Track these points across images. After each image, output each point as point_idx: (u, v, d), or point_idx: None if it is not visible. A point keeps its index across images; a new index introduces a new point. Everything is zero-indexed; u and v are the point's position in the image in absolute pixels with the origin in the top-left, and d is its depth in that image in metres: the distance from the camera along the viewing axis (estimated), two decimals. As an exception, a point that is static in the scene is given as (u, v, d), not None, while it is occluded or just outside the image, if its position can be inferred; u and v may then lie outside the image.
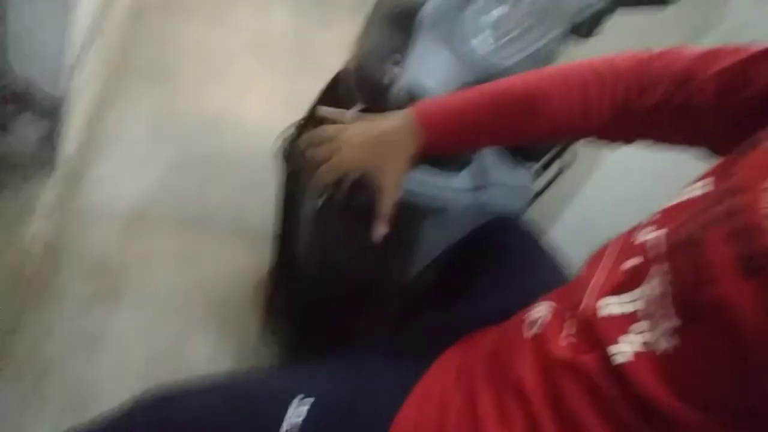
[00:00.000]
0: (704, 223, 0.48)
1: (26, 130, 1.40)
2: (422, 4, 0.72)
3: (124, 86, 1.95)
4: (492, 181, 1.01)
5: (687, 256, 0.48)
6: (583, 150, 1.09)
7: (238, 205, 1.74)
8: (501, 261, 0.87)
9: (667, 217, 0.54)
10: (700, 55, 0.62)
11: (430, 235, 0.99)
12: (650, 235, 0.54)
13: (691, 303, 0.46)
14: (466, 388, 0.58)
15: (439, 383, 0.62)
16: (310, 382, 0.65)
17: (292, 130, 1.05)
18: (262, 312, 1.44)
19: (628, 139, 0.70)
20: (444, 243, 1.02)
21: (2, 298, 1.22)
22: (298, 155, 1.04)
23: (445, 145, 0.74)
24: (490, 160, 1.02)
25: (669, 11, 0.91)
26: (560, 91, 0.67)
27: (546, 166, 1.14)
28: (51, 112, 1.39)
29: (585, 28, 0.82)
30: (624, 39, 0.79)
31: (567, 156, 1.09)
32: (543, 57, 0.79)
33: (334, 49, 2.73)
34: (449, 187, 0.96)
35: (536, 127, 0.70)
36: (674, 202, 0.55)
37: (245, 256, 1.61)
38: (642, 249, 0.54)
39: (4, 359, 1.18)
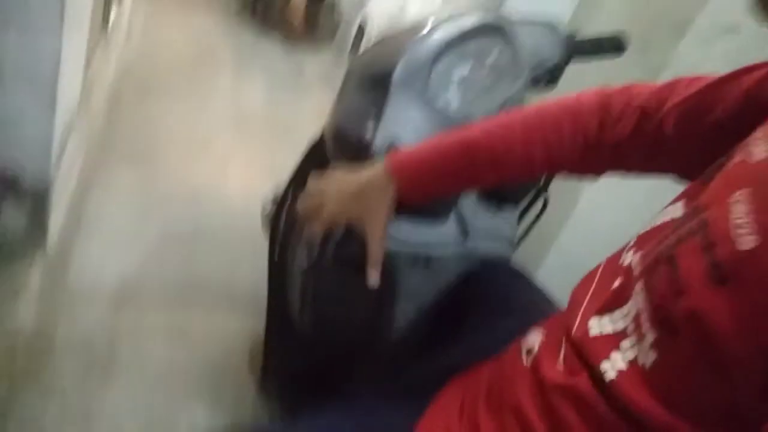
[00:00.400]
0: (677, 240, 0.51)
1: (13, 214, 1.42)
2: (393, 66, 0.79)
3: (107, 168, 1.99)
4: (475, 228, 1.06)
5: (661, 271, 0.50)
6: (559, 192, 1.15)
7: (226, 274, 1.75)
8: (492, 299, 0.89)
9: (643, 239, 0.57)
10: (660, 88, 0.66)
11: (418, 284, 1.02)
12: (630, 257, 0.57)
13: (667, 316, 0.48)
14: (470, 421, 0.60)
15: (443, 419, 0.63)
16: (314, 424, 0.66)
17: (274, 195, 1.09)
18: (257, 376, 1.44)
19: (597, 172, 0.74)
20: (433, 291, 1.05)
21: (-8, 387, 1.21)
22: (286, 216, 1.08)
23: (419, 191, 0.76)
24: (471, 208, 1.07)
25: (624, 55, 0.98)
26: (524, 135, 0.70)
27: (524, 211, 1.20)
28: (37, 197, 1.42)
29: (543, 81, 0.89)
30: (586, 78, 0.85)
31: (543, 199, 1.14)
32: (510, 106, 0.85)
33: (307, 119, 2.85)
34: (433, 237, 1.00)
35: (503, 172, 0.73)
36: (650, 226, 0.58)
37: (236, 322, 1.62)
38: (624, 270, 0.57)
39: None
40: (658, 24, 1.19)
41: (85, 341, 1.45)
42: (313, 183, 0.81)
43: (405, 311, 1.06)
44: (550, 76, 0.90)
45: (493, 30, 0.84)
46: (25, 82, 1.21)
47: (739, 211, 0.46)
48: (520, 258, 1.16)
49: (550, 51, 0.90)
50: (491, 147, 0.71)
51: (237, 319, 1.64)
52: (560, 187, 1.14)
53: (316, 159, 0.94)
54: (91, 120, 1.94)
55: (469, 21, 0.83)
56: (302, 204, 0.81)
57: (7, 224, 1.42)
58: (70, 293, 1.55)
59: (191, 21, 3.39)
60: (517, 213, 1.12)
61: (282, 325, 1.29)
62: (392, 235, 0.96)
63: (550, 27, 0.92)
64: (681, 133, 0.63)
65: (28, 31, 1.15)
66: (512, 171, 0.73)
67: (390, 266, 0.99)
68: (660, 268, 0.51)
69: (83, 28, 1.47)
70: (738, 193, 0.48)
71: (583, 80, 0.81)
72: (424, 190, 0.76)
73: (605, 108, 0.68)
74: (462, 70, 0.80)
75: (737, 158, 0.53)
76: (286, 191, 1.04)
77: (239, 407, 1.42)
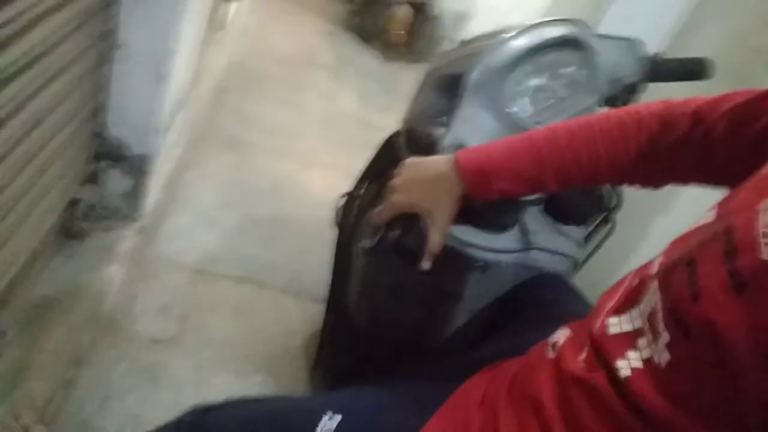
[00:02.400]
0: (699, 243, 0.51)
1: (114, 185, 1.57)
2: (469, 69, 0.81)
3: (202, 153, 2.14)
4: (536, 241, 1.06)
5: (680, 273, 0.51)
6: (630, 220, 1.13)
7: (294, 267, 1.84)
8: (539, 306, 0.90)
9: (674, 244, 0.58)
10: (716, 97, 0.68)
11: (473, 288, 1.04)
12: (658, 261, 0.58)
13: (681, 318, 0.49)
14: (490, 409, 0.62)
15: (464, 404, 0.65)
16: (340, 400, 0.70)
17: (346, 195, 1.14)
18: (310, 369, 1.50)
19: (655, 180, 0.75)
20: (487, 298, 1.06)
21: (77, 332, 1.33)
22: (356, 208, 1.13)
23: (485, 186, 0.77)
24: (535, 221, 1.07)
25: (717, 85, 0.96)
26: (588, 138, 0.72)
27: (589, 236, 1.19)
28: (138, 171, 1.56)
29: (619, 100, 0.89)
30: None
31: (610, 225, 1.13)
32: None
33: (395, 128, 2.92)
34: (494, 243, 1.01)
35: (568, 174, 0.74)
36: (683, 233, 0.59)
37: (301, 308, 1.69)
38: (645, 273, 0.58)
39: (70, 388, 1.27)
40: (754, 59, 1.14)
41: (161, 306, 1.57)
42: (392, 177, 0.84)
43: (457, 314, 1.08)
44: (627, 94, 0.90)
45: (575, 43, 0.85)
46: (142, 58, 1.34)
47: (766, 219, 0.46)
48: (585, 280, 1.14)
49: (629, 68, 0.89)
50: (558, 149, 0.73)
51: (301, 306, 1.72)
52: (631, 215, 1.12)
53: (389, 154, 0.98)
54: (198, 105, 2.09)
55: (551, 32, 0.84)
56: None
57: (112, 188, 1.56)
58: (156, 260, 1.68)
59: (301, 26, 3.57)
60: (582, 233, 1.10)
61: (338, 317, 1.34)
62: (454, 235, 0.98)
63: (633, 44, 0.91)
64: (729, 140, 0.65)
65: (152, 11, 1.28)
66: (577, 174, 0.74)
67: (447, 270, 1.02)
68: (679, 269, 0.51)
69: (200, 17, 1.60)
70: (767, 200, 0.48)
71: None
72: (489, 186, 0.77)
73: (664, 113, 0.70)
74: (537, 80, 0.82)
75: None
76: (358, 183, 1.09)
77: (293, 388, 1.48)
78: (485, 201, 0.80)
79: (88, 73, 1.28)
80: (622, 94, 0.89)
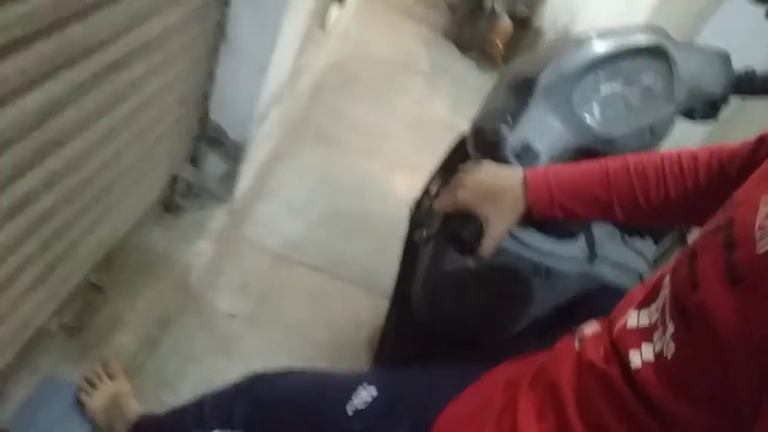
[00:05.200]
0: (703, 235, 0.53)
1: (212, 168, 1.70)
2: (541, 71, 0.83)
3: (294, 146, 2.26)
4: (604, 253, 1.05)
5: (683, 265, 0.52)
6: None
7: (368, 263, 1.90)
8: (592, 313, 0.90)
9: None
10: (744, 142, 0.68)
11: (536, 294, 1.04)
12: (674, 257, 0.59)
13: (683, 308, 0.51)
14: (511, 393, 0.65)
15: (488, 387, 0.69)
16: (377, 374, 0.74)
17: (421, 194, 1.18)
18: (370, 362, 1.55)
19: (695, 219, 0.73)
20: (548, 305, 1.07)
21: (166, 297, 1.46)
22: (428, 205, 1.17)
23: (548, 211, 0.78)
24: (604, 233, 1.06)
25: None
26: (653, 184, 0.72)
27: (664, 255, 1.15)
28: (234, 156, 1.68)
29: (698, 113, 0.87)
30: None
31: (682, 244, 1.10)
32: (649, 134, 0.85)
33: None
34: (559, 250, 1.01)
35: (637, 215, 0.75)
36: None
37: (365, 308, 1.75)
38: (665, 268, 0.59)
39: (154, 347, 1.40)
40: None
41: (242, 283, 1.68)
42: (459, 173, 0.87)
43: (516, 318, 1.09)
44: (708, 108, 0.87)
45: (653, 51, 0.84)
46: (246, 51, 1.45)
47: (765, 213, 0.47)
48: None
49: (713, 82, 0.86)
50: (626, 175, 0.74)
51: (372, 300, 1.77)
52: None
53: (461, 152, 1.01)
54: (294, 100, 2.21)
55: (631, 40, 0.83)
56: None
57: (209, 170, 1.69)
58: (242, 241, 1.80)
59: (401, 32, 3.65)
60: (653, 251, 1.08)
61: (401, 311, 1.38)
62: (519, 238, 0.99)
63: (721, 57, 0.89)
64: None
65: (260, 7, 1.38)
66: (645, 204, 0.74)
67: (510, 272, 1.03)
68: (683, 260, 0.53)
69: (303, 17, 1.70)
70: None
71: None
72: (553, 212, 0.79)
73: (700, 158, 0.71)
74: (611, 87, 0.82)
75: None
76: (430, 181, 1.13)
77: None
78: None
79: (199, 61, 1.40)
80: (703, 106, 0.87)
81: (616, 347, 0.58)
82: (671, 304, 0.53)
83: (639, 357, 0.54)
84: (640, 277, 1.08)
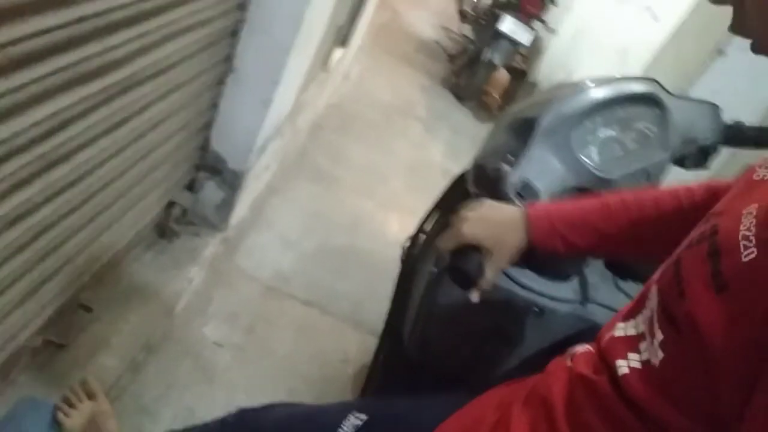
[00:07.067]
0: (687, 244, 0.54)
1: (209, 196, 1.71)
2: (543, 113, 0.86)
3: (290, 180, 2.28)
4: (595, 296, 1.06)
5: (669, 273, 0.54)
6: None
7: (358, 299, 1.90)
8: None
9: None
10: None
11: (528, 332, 1.05)
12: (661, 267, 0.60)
13: (671, 316, 0.52)
14: (504, 411, 0.65)
15: (480, 406, 0.69)
16: (367, 403, 0.74)
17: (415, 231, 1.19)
18: (356, 394, 1.53)
19: None
20: (540, 344, 1.07)
21: (153, 321, 1.44)
22: (423, 240, 1.18)
23: (549, 243, 0.80)
24: (596, 276, 1.08)
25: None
26: (652, 215, 0.74)
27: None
28: (232, 185, 1.70)
29: (690, 161, 0.90)
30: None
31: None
32: (644, 177, 0.88)
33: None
34: (552, 290, 1.02)
35: (632, 240, 0.76)
36: None
37: (353, 344, 1.74)
38: (652, 279, 0.60)
39: (137, 372, 1.37)
40: None
41: (231, 313, 1.66)
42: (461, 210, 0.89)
43: (507, 356, 1.09)
44: (700, 156, 0.91)
45: (648, 100, 0.87)
46: (251, 83, 1.48)
47: (749, 223, 0.48)
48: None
49: (704, 131, 0.90)
50: (627, 209, 0.76)
51: (359, 337, 1.77)
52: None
53: (459, 189, 1.03)
54: (294, 135, 2.24)
55: (628, 88, 0.87)
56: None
57: (205, 198, 1.70)
58: (233, 270, 1.79)
59: (401, 79, 3.74)
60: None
61: (390, 346, 1.37)
62: (513, 276, 1.00)
63: (711, 108, 0.93)
64: None
65: (268, 42, 1.42)
66: (647, 247, 0.76)
67: (504, 310, 1.04)
68: (669, 270, 0.54)
69: (308, 56, 1.75)
70: (752, 205, 0.50)
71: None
72: (554, 243, 0.81)
73: (696, 190, 0.73)
74: (608, 131, 0.85)
75: (761, 172, 0.55)
76: (425, 218, 1.14)
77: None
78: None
79: (205, 90, 1.43)
80: (694, 154, 0.91)
81: (604, 358, 0.59)
82: (659, 314, 0.54)
83: (626, 364, 0.55)
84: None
